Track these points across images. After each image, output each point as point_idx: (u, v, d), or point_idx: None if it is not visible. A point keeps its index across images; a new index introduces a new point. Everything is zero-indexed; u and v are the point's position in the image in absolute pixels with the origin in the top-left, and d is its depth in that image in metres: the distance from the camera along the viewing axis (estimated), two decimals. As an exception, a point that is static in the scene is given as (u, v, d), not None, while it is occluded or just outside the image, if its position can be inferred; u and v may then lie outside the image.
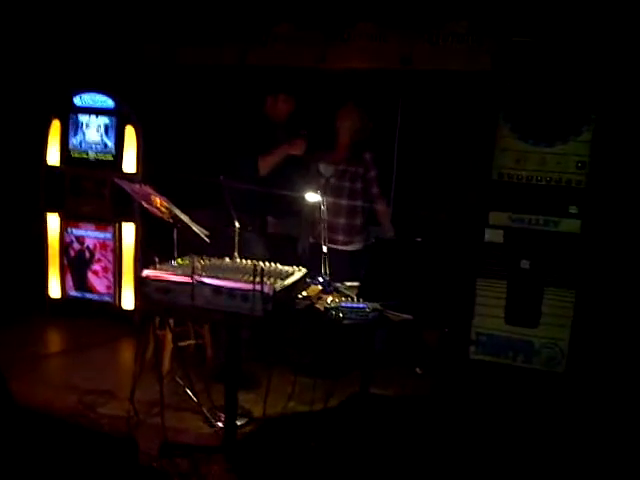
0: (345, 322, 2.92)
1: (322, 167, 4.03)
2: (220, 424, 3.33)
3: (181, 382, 3.75)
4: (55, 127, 5.05)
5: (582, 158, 4.15)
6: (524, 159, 4.26)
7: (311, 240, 4.27)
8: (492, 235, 4.36)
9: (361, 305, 3.00)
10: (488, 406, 3.88)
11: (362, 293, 3.14)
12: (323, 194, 3.54)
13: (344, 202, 4.15)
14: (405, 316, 3.00)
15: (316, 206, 3.64)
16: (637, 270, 4.28)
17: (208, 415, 3.47)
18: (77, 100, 4.98)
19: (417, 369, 4.35)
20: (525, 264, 4.32)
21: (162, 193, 3.19)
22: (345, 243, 4.19)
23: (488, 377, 4.34)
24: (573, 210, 4.18)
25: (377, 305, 3.00)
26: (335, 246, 4.04)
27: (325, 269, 3.36)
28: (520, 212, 4.29)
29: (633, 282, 4.28)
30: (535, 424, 3.66)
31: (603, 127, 4.15)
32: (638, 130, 4.27)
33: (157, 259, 2.93)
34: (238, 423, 3.24)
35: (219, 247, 3.33)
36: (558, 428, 3.65)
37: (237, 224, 3.36)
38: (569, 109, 4.16)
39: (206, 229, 3.28)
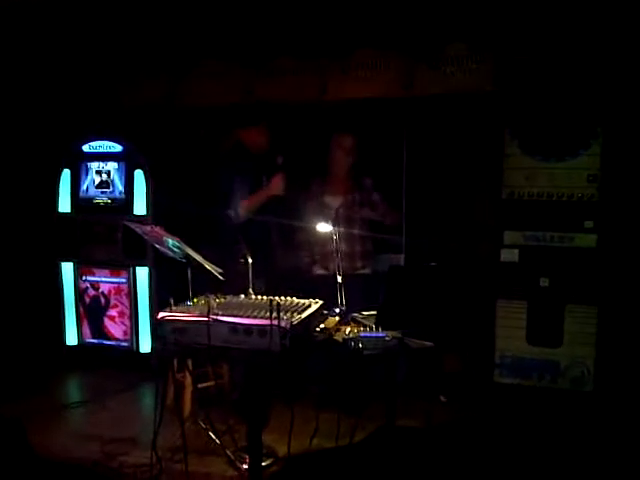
0: (365, 352, 2.87)
1: (329, 199, 4.09)
2: (245, 466, 3.26)
3: (203, 425, 3.69)
4: (65, 176, 5.10)
5: (593, 171, 4.12)
6: (534, 176, 4.24)
7: (320, 271, 4.26)
8: (508, 254, 4.31)
9: (380, 334, 2.95)
10: (516, 429, 3.77)
11: (380, 322, 3.09)
12: (334, 224, 3.54)
13: (356, 230, 4.18)
14: (426, 343, 2.95)
15: (325, 237, 3.64)
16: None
17: (232, 457, 3.41)
18: (86, 147, 5.05)
19: (441, 397, 4.26)
20: (544, 282, 4.26)
21: (173, 233, 3.19)
22: (362, 268, 4.26)
23: (514, 400, 4.24)
24: (588, 225, 4.13)
25: (396, 333, 2.95)
26: (353, 273, 4.08)
27: (341, 300, 3.32)
28: (534, 229, 4.25)
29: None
30: (565, 445, 3.55)
31: (611, 139, 4.12)
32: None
33: (172, 300, 2.91)
34: (264, 464, 3.17)
35: (233, 283, 3.31)
36: (588, 448, 3.54)
37: (249, 259, 3.34)
38: (576, 123, 4.15)
39: (219, 266, 3.25)
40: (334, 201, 4.21)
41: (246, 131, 4.22)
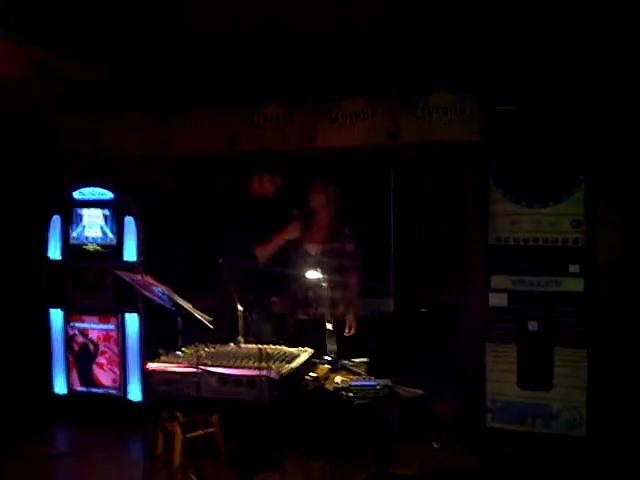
0: (356, 402, 2.86)
1: (309, 247, 4.10)
2: (234, 519, 3.19)
3: (193, 477, 3.62)
4: (55, 222, 5.11)
5: (577, 217, 4.19)
6: (519, 221, 4.31)
7: (302, 317, 4.23)
8: (496, 299, 4.34)
9: (371, 383, 2.95)
10: (508, 476, 3.75)
11: (371, 370, 3.09)
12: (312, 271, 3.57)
13: (337, 277, 4.07)
14: (417, 391, 2.94)
15: (310, 283, 3.67)
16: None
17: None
18: (77, 194, 5.07)
19: (434, 443, 4.22)
20: (533, 326, 4.29)
21: (163, 279, 3.19)
22: (345, 314, 4.10)
23: (507, 445, 4.21)
24: (574, 269, 4.18)
25: (387, 381, 2.95)
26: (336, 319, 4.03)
27: (331, 347, 3.32)
28: (521, 274, 4.29)
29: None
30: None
31: (594, 186, 4.21)
32: (629, 184, 4.33)
33: (161, 351, 2.90)
34: (253, 516, 3.11)
35: (225, 331, 3.30)
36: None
37: (240, 307, 3.34)
38: (559, 170, 4.24)
39: (210, 313, 3.25)
40: (313, 248, 4.19)
41: (255, 177, 4.24)
